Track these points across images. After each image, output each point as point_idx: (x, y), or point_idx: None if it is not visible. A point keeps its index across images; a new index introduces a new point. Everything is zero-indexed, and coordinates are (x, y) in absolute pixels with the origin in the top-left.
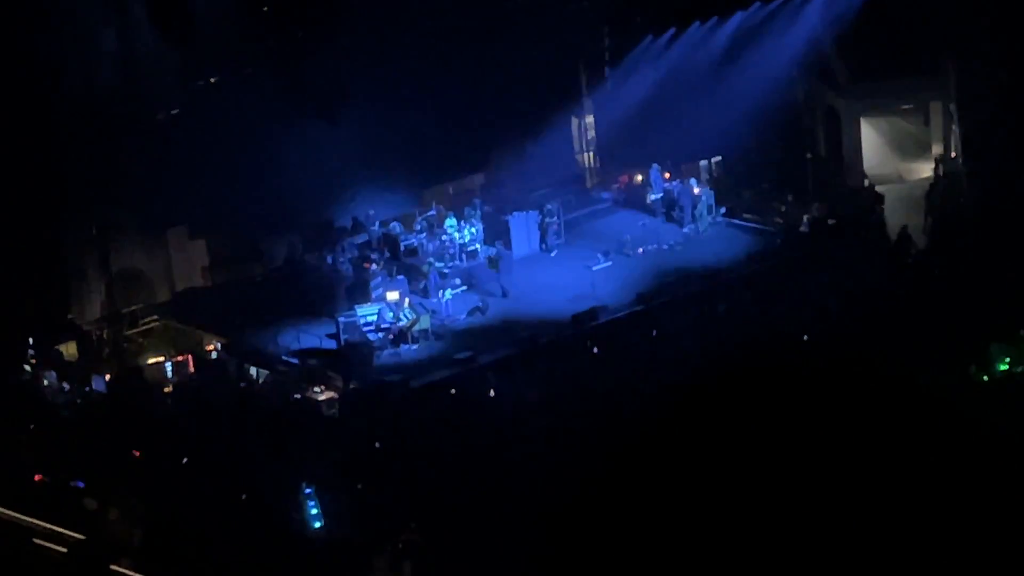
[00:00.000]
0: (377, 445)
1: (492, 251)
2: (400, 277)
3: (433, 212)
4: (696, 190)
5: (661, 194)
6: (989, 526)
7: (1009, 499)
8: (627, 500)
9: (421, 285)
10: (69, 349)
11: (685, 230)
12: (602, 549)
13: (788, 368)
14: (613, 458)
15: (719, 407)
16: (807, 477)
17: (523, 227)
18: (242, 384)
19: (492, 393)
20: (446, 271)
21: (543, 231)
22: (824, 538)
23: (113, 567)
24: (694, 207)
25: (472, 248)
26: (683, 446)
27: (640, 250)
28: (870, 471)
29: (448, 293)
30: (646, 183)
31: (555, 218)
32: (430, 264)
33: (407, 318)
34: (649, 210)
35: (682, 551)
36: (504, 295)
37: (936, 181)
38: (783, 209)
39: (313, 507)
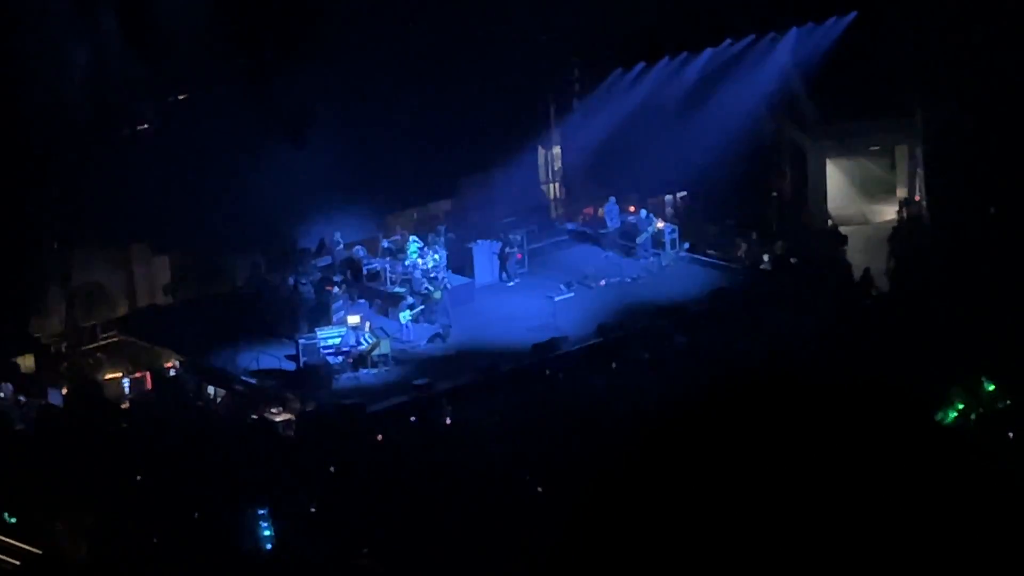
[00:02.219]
0: (332, 468)
1: (438, 284)
2: (361, 301)
3: (398, 237)
4: (660, 224)
5: (617, 226)
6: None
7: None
8: (584, 529)
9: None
10: (27, 362)
11: (642, 263)
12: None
13: (747, 404)
14: (570, 488)
15: (677, 439)
16: (763, 510)
17: (487, 255)
18: (199, 403)
19: (448, 420)
20: (409, 297)
21: (503, 261)
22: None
23: None
24: (654, 241)
25: (435, 275)
26: (640, 478)
27: (603, 282)
28: (826, 510)
29: (406, 315)
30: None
31: (514, 248)
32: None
33: (367, 342)
34: (603, 243)
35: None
36: (444, 335)
37: (900, 224)
38: (746, 246)
39: (265, 528)
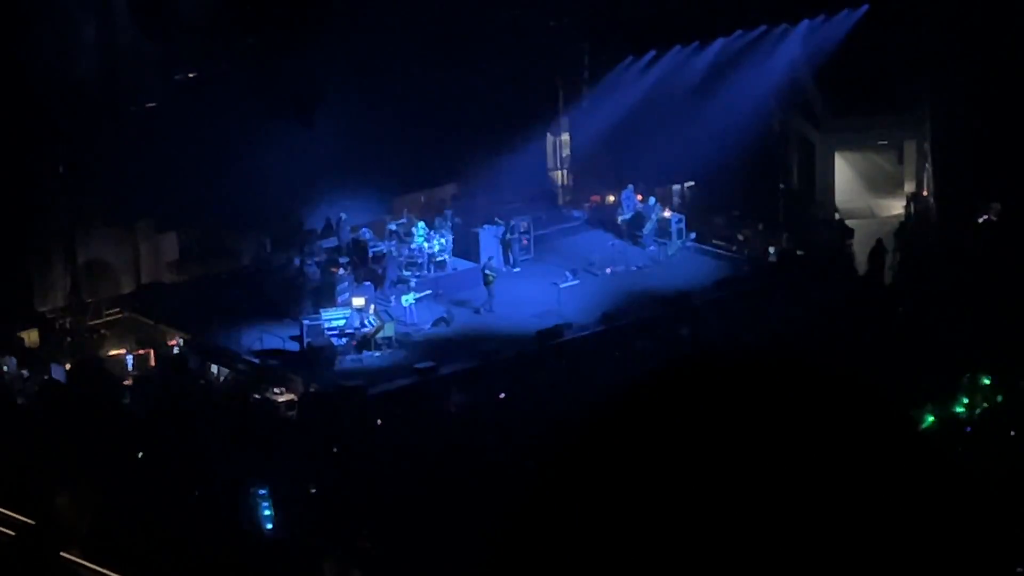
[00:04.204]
0: (335, 450)
1: (488, 269)
2: (367, 283)
3: (404, 220)
4: (667, 213)
5: (631, 214)
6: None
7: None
8: (582, 516)
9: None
10: (31, 336)
11: (648, 252)
12: (558, 563)
13: (748, 394)
14: (570, 472)
15: (676, 427)
16: (762, 500)
17: (493, 241)
18: (202, 381)
19: (451, 404)
20: (413, 280)
21: (506, 246)
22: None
23: (63, 555)
24: (660, 230)
25: (441, 259)
26: (638, 460)
27: (608, 270)
28: (825, 503)
29: (410, 297)
30: (618, 203)
31: (516, 234)
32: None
33: (371, 324)
34: (618, 230)
35: (638, 560)
36: (476, 311)
37: (907, 218)
38: (751, 238)
39: (266, 508)
